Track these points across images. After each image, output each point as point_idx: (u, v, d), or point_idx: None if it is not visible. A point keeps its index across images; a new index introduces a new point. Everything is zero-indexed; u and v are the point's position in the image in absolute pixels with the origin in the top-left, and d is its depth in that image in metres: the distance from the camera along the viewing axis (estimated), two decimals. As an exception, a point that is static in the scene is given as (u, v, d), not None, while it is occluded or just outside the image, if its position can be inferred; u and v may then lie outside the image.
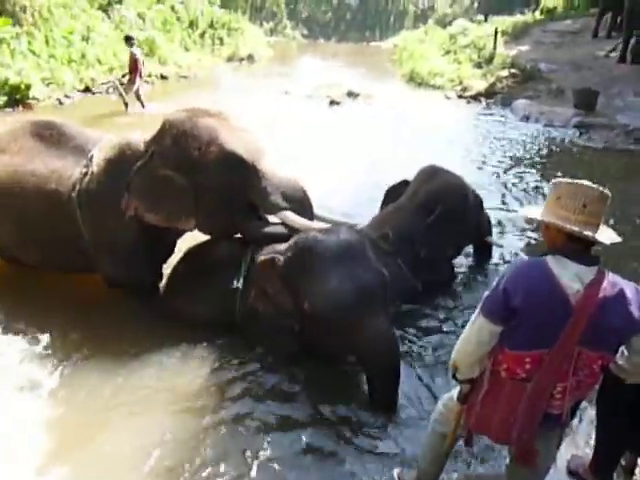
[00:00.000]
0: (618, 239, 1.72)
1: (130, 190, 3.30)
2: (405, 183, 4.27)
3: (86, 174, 3.42)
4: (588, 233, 1.68)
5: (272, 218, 3.43)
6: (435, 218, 3.83)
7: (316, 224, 3.35)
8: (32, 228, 3.53)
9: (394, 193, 4.28)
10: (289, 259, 2.95)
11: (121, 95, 9.31)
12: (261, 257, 3.04)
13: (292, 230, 3.27)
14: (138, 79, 9.44)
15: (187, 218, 3.34)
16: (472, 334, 1.81)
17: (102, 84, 10.94)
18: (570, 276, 1.68)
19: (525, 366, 1.75)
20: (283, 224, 3.35)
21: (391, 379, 2.81)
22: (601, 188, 1.72)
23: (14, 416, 2.75)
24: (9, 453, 2.54)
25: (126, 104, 9.29)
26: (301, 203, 3.41)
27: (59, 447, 2.59)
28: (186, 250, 3.67)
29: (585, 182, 1.74)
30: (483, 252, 4.47)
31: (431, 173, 4.12)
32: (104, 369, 3.09)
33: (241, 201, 3.36)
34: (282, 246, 3.13)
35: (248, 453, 2.57)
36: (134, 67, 9.33)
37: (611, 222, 4.13)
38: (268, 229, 3.39)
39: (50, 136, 3.64)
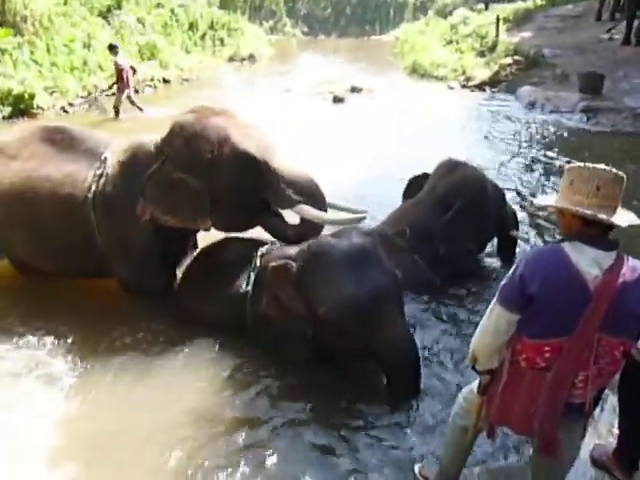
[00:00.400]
0: (637, 221, 1.68)
1: (145, 195, 3.31)
2: (425, 176, 4.19)
3: (100, 177, 3.43)
4: (602, 216, 1.63)
5: (288, 212, 3.46)
6: (454, 213, 3.76)
7: (330, 215, 3.45)
8: (46, 234, 3.53)
9: (414, 186, 4.21)
10: (302, 265, 2.93)
11: (108, 106, 9.41)
12: (272, 263, 3.01)
13: (311, 226, 3.35)
14: (128, 87, 9.40)
15: (203, 219, 3.37)
16: (490, 323, 1.78)
17: (82, 97, 10.65)
18: (588, 261, 1.65)
19: (545, 355, 1.72)
20: (301, 220, 3.41)
21: (412, 377, 2.84)
22: (615, 170, 1.67)
23: (31, 411, 2.81)
24: (25, 448, 2.57)
25: (117, 111, 9.32)
26: (314, 196, 3.41)
27: (74, 443, 2.62)
28: (199, 250, 3.70)
29: (598, 165, 1.70)
30: (508, 246, 4.31)
31: (450, 167, 4.03)
32: (119, 367, 3.12)
33: (256, 198, 3.39)
34: (293, 250, 3.13)
35: (264, 451, 2.57)
36: (120, 76, 9.30)
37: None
38: (291, 227, 3.46)
39: (61, 140, 3.65)
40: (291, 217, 3.51)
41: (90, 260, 3.58)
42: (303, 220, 3.41)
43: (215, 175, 3.26)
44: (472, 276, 4.06)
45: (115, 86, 9.49)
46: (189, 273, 3.65)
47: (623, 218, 1.66)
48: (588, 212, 1.64)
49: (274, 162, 3.35)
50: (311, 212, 3.35)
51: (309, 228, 3.38)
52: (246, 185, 3.30)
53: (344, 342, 2.87)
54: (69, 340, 3.32)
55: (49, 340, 3.31)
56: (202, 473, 2.45)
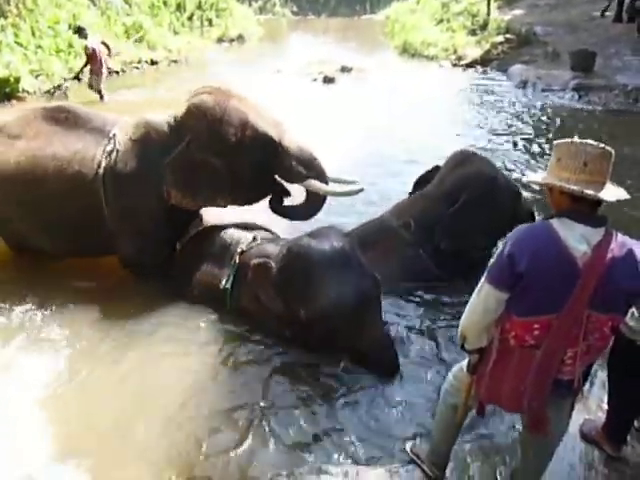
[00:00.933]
0: (625, 196, 1.66)
1: (167, 180, 3.37)
2: (437, 169, 4.04)
3: (110, 153, 3.47)
4: (589, 192, 1.61)
5: (298, 187, 3.62)
6: (459, 207, 3.61)
7: (335, 187, 3.67)
8: (53, 213, 3.54)
9: (425, 180, 4.06)
10: (282, 267, 2.92)
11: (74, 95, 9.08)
12: (254, 261, 3.01)
13: (317, 199, 3.59)
14: (104, 69, 9.11)
15: (223, 198, 3.53)
16: (478, 302, 1.77)
17: (53, 88, 9.66)
18: (576, 238, 1.64)
19: (534, 332, 1.71)
20: (307, 194, 3.61)
21: (393, 369, 2.91)
22: (602, 145, 1.65)
23: (25, 385, 2.85)
24: (23, 435, 2.58)
25: (101, 95, 9.15)
26: (317, 170, 3.58)
27: (69, 419, 2.66)
28: (194, 232, 3.70)
29: (586, 141, 1.68)
30: None
31: (460, 159, 3.88)
32: (117, 342, 3.18)
33: (270, 175, 3.58)
34: (272, 249, 3.14)
35: (261, 430, 2.59)
36: (93, 59, 8.92)
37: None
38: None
39: (66, 119, 3.67)
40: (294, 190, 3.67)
41: (94, 238, 3.62)
42: (309, 194, 3.59)
43: (236, 155, 3.39)
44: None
45: (87, 70, 9.11)
46: (182, 252, 3.69)
47: (611, 193, 1.65)
48: (575, 188, 1.63)
49: (286, 140, 3.51)
50: (318, 185, 3.53)
51: (315, 202, 3.61)
52: (264, 164, 3.47)
53: (325, 342, 2.89)
54: (64, 323, 3.34)
55: (47, 316, 3.37)
56: (205, 458, 2.47)
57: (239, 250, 3.29)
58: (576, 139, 1.70)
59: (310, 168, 3.54)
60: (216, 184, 3.42)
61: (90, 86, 9.14)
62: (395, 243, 3.66)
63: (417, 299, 3.57)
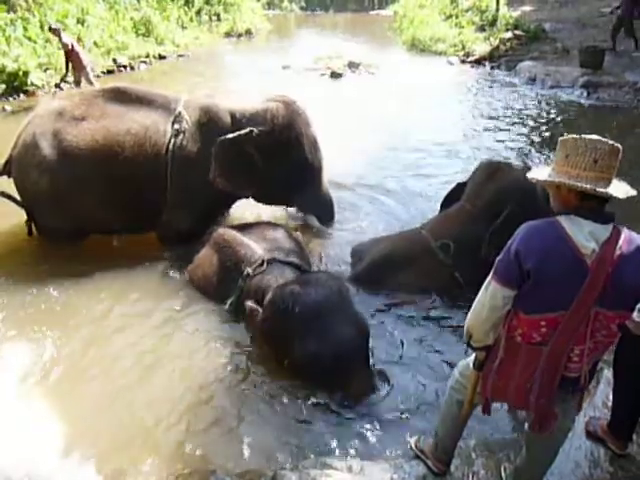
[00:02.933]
0: (633, 192, 1.65)
1: (215, 156, 3.70)
2: (461, 185, 3.86)
3: (178, 132, 3.77)
4: (602, 190, 1.60)
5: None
6: (503, 220, 3.36)
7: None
8: (124, 186, 3.73)
9: (453, 197, 3.87)
10: (265, 317, 2.92)
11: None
12: (247, 303, 3.02)
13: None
14: (88, 66, 8.64)
15: (249, 191, 3.94)
16: (485, 300, 1.76)
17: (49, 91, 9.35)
18: (584, 235, 1.62)
19: (541, 330, 1.70)
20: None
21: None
22: (611, 141, 1.63)
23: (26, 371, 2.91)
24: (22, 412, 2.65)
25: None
26: (327, 215, 4.38)
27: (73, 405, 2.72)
28: (214, 236, 3.66)
29: (593, 136, 1.66)
30: None
31: (490, 172, 3.67)
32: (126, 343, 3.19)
33: (296, 188, 4.01)
34: (272, 281, 3.11)
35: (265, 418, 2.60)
36: (72, 54, 8.40)
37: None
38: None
39: (129, 99, 3.88)
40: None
41: (150, 213, 3.86)
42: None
43: (281, 162, 3.82)
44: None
45: (69, 70, 8.60)
46: (202, 253, 3.69)
47: (620, 189, 1.63)
48: (587, 186, 1.60)
49: (321, 174, 4.17)
50: (315, 223, 4.31)
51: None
52: (300, 176, 3.93)
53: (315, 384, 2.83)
54: (81, 310, 3.43)
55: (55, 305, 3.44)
56: (199, 439, 2.51)
57: (245, 274, 3.26)
58: (584, 135, 1.67)
59: (323, 210, 4.27)
60: (251, 176, 3.79)
61: (77, 83, 8.66)
62: (432, 265, 3.53)
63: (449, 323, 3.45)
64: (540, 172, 1.79)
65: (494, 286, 1.73)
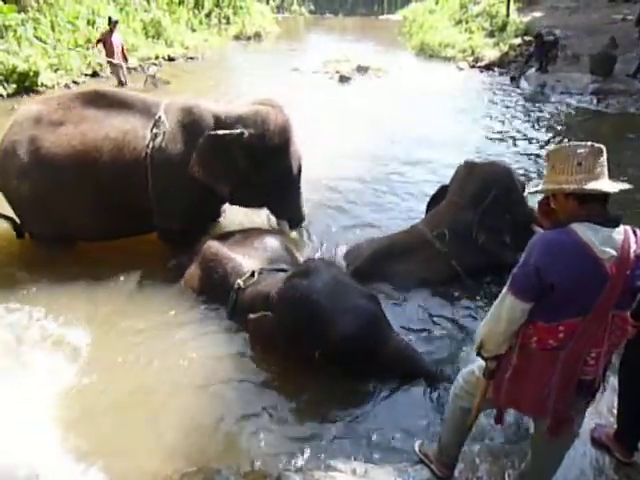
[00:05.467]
0: (625, 185, 1.66)
1: (199, 147, 3.69)
2: (444, 187, 4.15)
3: (157, 135, 3.73)
4: (589, 187, 1.63)
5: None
6: (490, 201, 3.70)
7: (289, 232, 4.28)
8: (104, 191, 3.70)
9: (438, 198, 4.15)
10: (283, 317, 2.85)
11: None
12: (250, 316, 2.97)
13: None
14: (117, 56, 9.58)
15: (227, 187, 3.83)
16: (502, 313, 1.73)
17: (85, 75, 10.67)
18: (601, 242, 1.62)
19: (558, 335, 1.70)
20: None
21: (424, 371, 2.88)
22: (591, 143, 1.68)
23: (43, 375, 2.91)
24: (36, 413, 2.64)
25: (120, 82, 9.51)
26: (296, 219, 4.31)
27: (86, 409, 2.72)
28: (203, 245, 3.65)
29: (573, 142, 1.72)
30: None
31: (470, 168, 3.99)
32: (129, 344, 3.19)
33: (274, 197, 4.03)
34: (267, 288, 3.07)
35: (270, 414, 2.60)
36: (107, 42, 9.54)
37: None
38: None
39: (108, 103, 3.84)
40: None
41: (138, 216, 3.83)
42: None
43: (266, 166, 3.83)
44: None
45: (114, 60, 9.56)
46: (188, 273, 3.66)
47: (611, 185, 1.66)
48: (574, 186, 1.64)
49: (301, 173, 4.14)
50: (285, 228, 4.20)
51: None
52: (280, 182, 3.96)
53: (349, 366, 2.82)
54: (83, 314, 3.41)
55: (63, 308, 3.41)
56: (206, 438, 2.52)
57: (236, 286, 3.24)
58: (565, 143, 1.74)
59: (295, 214, 4.21)
60: (229, 173, 3.76)
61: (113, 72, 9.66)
62: (430, 254, 3.73)
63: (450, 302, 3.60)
64: (533, 185, 1.83)
65: (512, 300, 1.70)
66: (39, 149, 3.66)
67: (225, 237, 3.73)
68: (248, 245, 3.57)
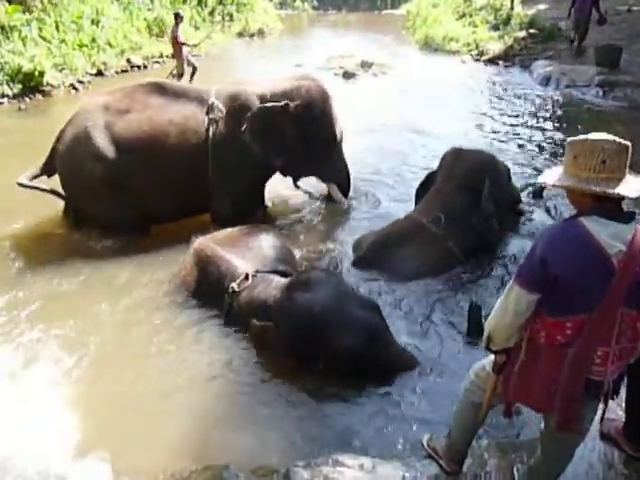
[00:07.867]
0: None
1: (251, 122, 4.08)
2: (432, 174, 4.31)
3: (215, 120, 4.14)
4: (612, 191, 1.58)
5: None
6: (489, 189, 3.90)
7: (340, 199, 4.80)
8: (172, 173, 4.02)
9: (426, 185, 4.31)
10: (285, 328, 2.86)
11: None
12: (253, 322, 2.96)
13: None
14: (183, 55, 9.84)
15: (279, 156, 4.23)
16: (509, 305, 1.72)
17: (90, 74, 10.71)
18: (610, 236, 1.60)
19: (566, 331, 1.68)
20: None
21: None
22: (618, 139, 1.62)
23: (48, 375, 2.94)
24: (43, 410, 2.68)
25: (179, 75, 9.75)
26: (344, 183, 4.92)
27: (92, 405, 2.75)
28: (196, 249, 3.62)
29: (600, 135, 1.64)
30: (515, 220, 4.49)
31: (456, 155, 4.21)
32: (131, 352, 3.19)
33: (322, 162, 4.49)
34: (265, 295, 3.06)
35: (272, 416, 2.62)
36: (176, 42, 9.83)
37: None
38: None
39: (167, 93, 4.19)
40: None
41: (199, 196, 4.16)
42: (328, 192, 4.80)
43: (312, 133, 4.25)
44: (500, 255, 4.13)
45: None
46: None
47: (632, 188, 1.61)
48: (598, 189, 1.59)
49: (342, 138, 4.55)
50: (335, 192, 4.72)
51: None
52: (326, 147, 4.41)
53: (350, 372, 2.84)
54: (83, 313, 3.43)
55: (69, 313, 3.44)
56: (212, 434, 2.57)
57: (230, 290, 3.20)
58: (591, 135, 1.66)
59: (344, 179, 4.68)
60: (281, 145, 4.16)
61: (179, 75, 9.87)
62: (427, 239, 3.86)
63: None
64: (551, 175, 1.76)
65: (518, 291, 1.69)
66: (113, 134, 3.96)
67: (220, 236, 3.66)
68: (243, 245, 3.52)
